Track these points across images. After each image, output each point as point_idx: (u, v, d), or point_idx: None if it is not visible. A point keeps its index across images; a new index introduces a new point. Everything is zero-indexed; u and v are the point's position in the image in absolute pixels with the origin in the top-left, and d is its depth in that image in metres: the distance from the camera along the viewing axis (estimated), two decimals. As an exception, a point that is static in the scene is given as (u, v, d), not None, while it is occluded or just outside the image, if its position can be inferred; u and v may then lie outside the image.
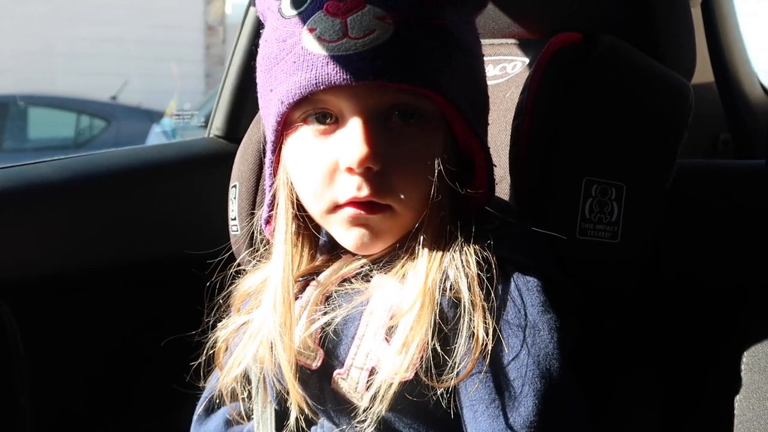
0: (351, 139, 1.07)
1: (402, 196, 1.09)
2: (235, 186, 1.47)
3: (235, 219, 1.46)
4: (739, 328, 1.28)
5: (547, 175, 1.23)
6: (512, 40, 1.54)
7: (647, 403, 1.35)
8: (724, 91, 2.20)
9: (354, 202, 1.10)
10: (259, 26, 1.22)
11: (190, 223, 1.88)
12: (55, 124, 8.50)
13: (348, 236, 1.14)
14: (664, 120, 1.28)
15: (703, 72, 2.19)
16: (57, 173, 1.73)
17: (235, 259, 1.42)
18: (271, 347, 1.15)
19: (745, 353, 1.25)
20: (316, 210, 1.15)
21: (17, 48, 9.85)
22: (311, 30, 1.07)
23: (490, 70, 1.50)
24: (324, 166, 1.10)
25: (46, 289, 1.65)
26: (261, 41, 1.17)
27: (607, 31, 1.34)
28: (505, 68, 1.51)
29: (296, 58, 1.07)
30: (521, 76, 1.45)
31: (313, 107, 1.10)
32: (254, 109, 1.23)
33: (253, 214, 1.41)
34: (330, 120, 1.10)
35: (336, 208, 1.12)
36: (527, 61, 1.50)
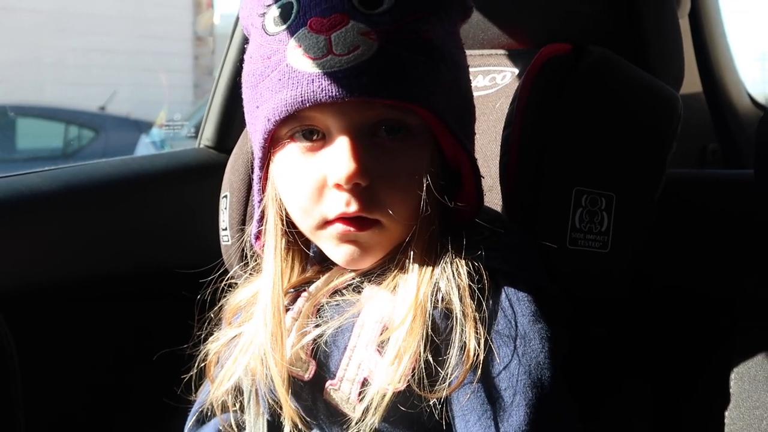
0: (338, 155, 1.07)
1: (391, 211, 1.10)
2: (225, 196, 1.47)
3: (226, 229, 1.46)
4: (730, 336, 1.29)
5: (537, 185, 1.24)
6: (501, 51, 1.55)
7: (639, 412, 1.35)
8: (712, 101, 2.21)
9: (343, 218, 1.10)
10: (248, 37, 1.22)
11: (181, 233, 1.88)
12: (44, 135, 8.46)
13: (338, 252, 1.14)
14: (653, 130, 1.29)
15: (692, 82, 2.20)
16: (47, 184, 1.73)
17: (226, 270, 1.42)
18: (263, 360, 1.15)
19: (735, 362, 1.26)
20: (305, 226, 1.15)
21: (5, 58, 9.83)
22: (296, 47, 1.07)
23: (480, 81, 1.51)
24: (312, 183, 1.10)
25: (36, 300, 1.64)
26: (246, 57, 1.17)
27: (595, 42, 1.35)
28: (495, 79, 1.51)
29: (281, 75, 1.07)
30: (511, 87, 1.46)
31: (299, 124, 1.10)
32: (244, 119, 1.23)
33: (244, 223, 1.41)
34: (317, 137, 1.10)
35: (325, 224, 1.12)
36: (516, 71, 1.50)
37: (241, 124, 1.31)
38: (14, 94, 9.23)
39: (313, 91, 1.04)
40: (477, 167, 1.16)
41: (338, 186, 1.08)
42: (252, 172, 1.39)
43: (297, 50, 1.06)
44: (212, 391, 1.23)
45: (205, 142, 2.07)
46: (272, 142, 1.14)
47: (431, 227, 1.12)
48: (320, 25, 1.06)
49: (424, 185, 1.10)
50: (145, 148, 6.70)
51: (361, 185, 1.07)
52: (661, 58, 1.44)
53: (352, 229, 1.10)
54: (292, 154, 1.12)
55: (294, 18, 1.09)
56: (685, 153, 1.41)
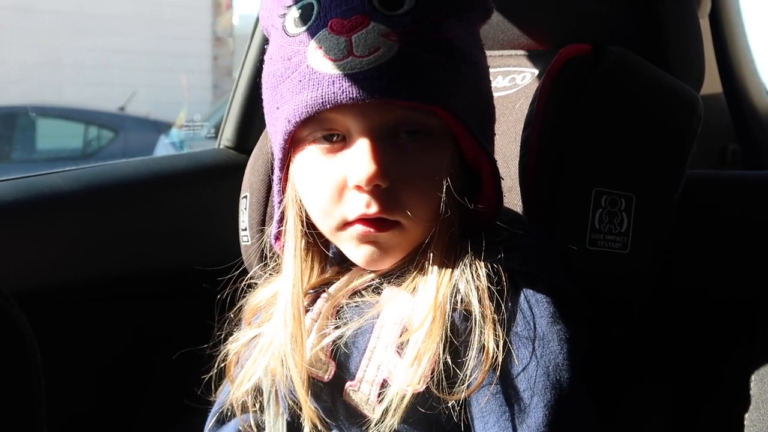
0: (359, 157, 1.07)
1: (411, 212, 1.10)
2: (245, 197, 1.47)
3: (245, 230, 1.46)
4: (750, 338, 1.28)
5: (556, 186, 1.24)
6: (522, 52, 1.55)
7: (657, 413, 1.35)
8: (733, 102, 2.20)
9: (363, 219, 1.10)
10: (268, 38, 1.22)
11: (201, 234, 1.88)
12: (64, 135, 8.52)
13: (358, 253, 1.15)
14: (673, 131, 1.29)
15: (712, 83, 2.19)
16: (69, 184, 1.73)
17: (245, 270, 1.42)
18: (282, 361, 1.15)
19: (755, 364, 1.25)
20: (325, 227, 1.16)
21: (25, 59, 9.89)
22: (317, 48, 1.07)
23: (500, 82, 1.51)
24: (332, 184, 1.10)
25: (58, 299, 1.65)
26: (266, 58, 1.17)
27: (616, 43, 1.35)
28: (515, 79, 1.51)
29: (302, 76, 1.07)
30: (530, 88, 1.46)
31: (320, 125, 1.10)
32: (264, 120, 1.24)
33: (263, 224, 1.41)
34: (337, 138, 1.10)
35: (345, 225, 1.12)
36: (536, 72, 1.50)
37: (261, 125, 1.31)
38: (34, 95, 9.30)
39: (334, 93, 1.04)
40: (497, 169, 1.16)
41: (358, 187, 1.08)
42: (272, 173, 1.39)
43: (318, 51, 1.06)
44: (232, 392, 1.23)
45: (224, 142, 2.07)
46: (292, 144, 1.14)
47: (451, 229, 1.12)
48: (341, 27, 1.06)
49: (444, 187, 1.10)
50: (164, 148, 6.73)
51: (382, 187, 1.07)
52: (681, 59, 1.43)
53: (372, 230, 1.11)
54: (312, 156, 1.12)
55: (315, 19, 1.09)
56: (705, 153, 1.41)
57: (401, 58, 1.05)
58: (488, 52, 1.20)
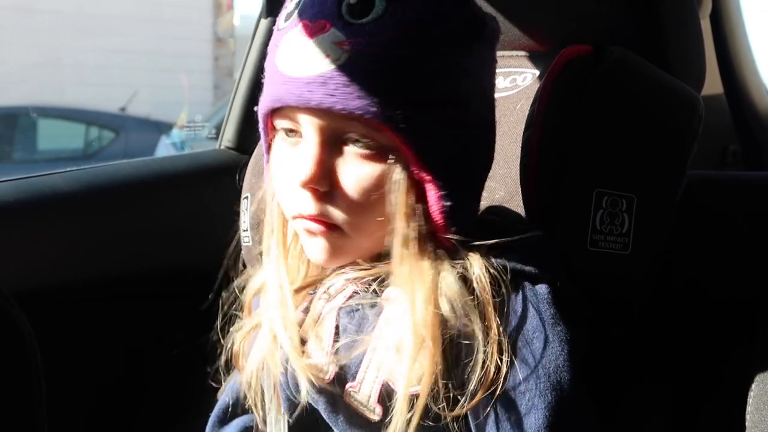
0: (303, 157, 1.09)
1: (350, 219, 1.10)
2: (246, 198, 1.47)
3: (246, 231, 1.46)
4: (750, 339, 1.28)
5: (557, 187, 1.24)
6: (522, 53, 1.55)
7: (657, 413, 1.35)
8: (733, 103, 2.20)
9: (304, 216, 1.12)
10: (269, 38, 1.22)
11: (202, 234, 1.88)
12: (64, 136, 8.52)
13: (308, 246, 1.16)
14: (674, 131, 1.29)
15: (712, 83, 2.19)
16: (69, 185, 1.74)
17: (245, 271, 1.42)
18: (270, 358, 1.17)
19: (756, 364, 1.25)
20: (286, 214, 1.17)
21: (26, 60, 9.89)
22: (283, 47, 1.10)
23: (501, 82, 1.51)
24: (285, 177, 1.13)
25: (58, 299, 1.65)
26: None
27: (616, 43, 1.35)
28: (516, 80, 1.51)
29: (269, 71, 1.12)
30: (531, 88, 1.46)
31: (282, 119, 1.13)
32: (265, 121, 1.24)
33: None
34: (297, 134, 1.12)
35: (295, 217, 1.14)
36: (537, 73, 1.50)
37: (262, 126, 1.31)
38: (35, 95, 9.29)
39: (283, 93, 1.08)
40: (451, 199, 1.11)
41: (301, 186, 1.09)
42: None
43: (282, 50, 1.10)
44: (243, 381, 1.24)
45: (225, 143, 2.08)
46: (271, 133, 1.17)
47: (419, 234, 1.10)
48: (306, 29, 1.07)
49: (388, 202, 1.09)
50: (165, 149, 6.73)
51: (320, 190, 1.09)
52: (682, 59, 1.43)
53: (314, 225, 1.11)
54: (279, 146, 1.15)
55: (292, 19, 1.10)
56: (705, 154, 1.41)
57: (347, 68, 1.04)
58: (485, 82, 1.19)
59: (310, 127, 1.09)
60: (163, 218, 1.88)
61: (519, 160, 1.29)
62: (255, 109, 1.19)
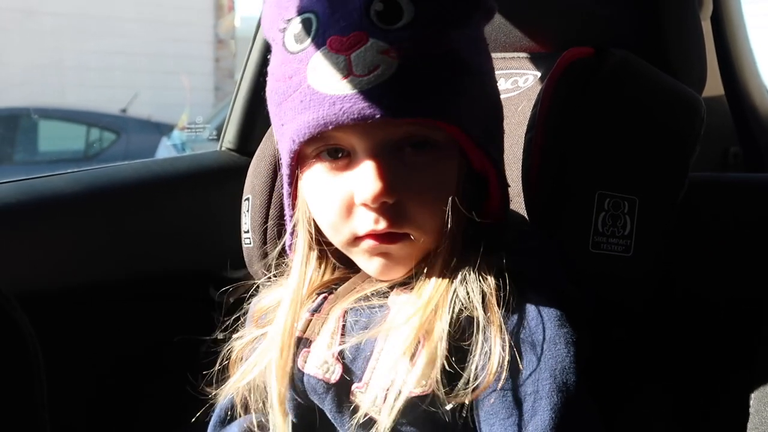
0: (364, 174, 1.07)
1: (419, 224, 1.10)
2: (248, 199, 1.47)
3: (248, 232, 1.46)
4: (753, 342, 1.28)
5: (559, 189, 1.24)
6: (524, 54, 1.55)
7: (660, 416, 1.35)
8: (734, 105, 2.20)
9: (372, 234, 1.11)
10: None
11: (203, 236, 1.89)
12: (66, 137, 8.53)
13: (370, 265, 1.15)
14: (675, 134, 1.29)
15: (713, 85, 2.19)
16: (70, 186, 1.74)
17: (247, 273, 1.42)
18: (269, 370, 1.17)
19: (758, 367, 1.25)
20: (336, 241, 1.16)
21: (27, 61, 9.89)
22: (316, 67, 1.06)
23: (502, 84, 1.51)
24: (340, 201, 1.10)
25: (60, 301, 1.65)
26: (269, 72, 1.16)
27: (618, 45, 1.35)
28: (517, 82, 1.51)
29: (303, 96, 1.07)
30: (533, 90, 1.46)
31: (324, 143, 1.10)
32: (266, 122, 1.23)
33: (266, 226, 1.41)
34: (342, 154, 1.10)
35: (356, 240, 1.13)
36: (539, 74, 1.50)
37: (263, 128, 1.32)
38: (36, 96, 9.30)
39: (335, 114, 1.04)
40: (504, 178, 1.16)
41: (365, 205, 1.08)
42: (275, 175, 1.40)
43: (317, 71, 1.06)
44: (230, 386, 1.24)
45: (226, 144, 2.08)
46: (299, 160, 1.14)
47: (458, 236, 1.12)
48: (340, 44, 1.05)
49: (450, 198, 1.10)
50: (166, 150, 6.73)
51: (388, 203, 1.08)
52: (683, 61, 1.43)
53: (382, 243, 1.11)
54: (318, 173, 1.12)
55: (314, 36, 1.08)
56: (707, 156, 1.40)
57: (401, 75, 1.04)
58: (491, 55, 1.20)
59: (364, 142, 1.08)
60: (164, 220, 1.88)
61: (521, 162, 1.30)
62: (266, 112, 1.18)
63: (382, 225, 1.09)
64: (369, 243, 1.12)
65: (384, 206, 1.08)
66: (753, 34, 2.30)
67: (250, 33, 2.05)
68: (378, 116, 1.03)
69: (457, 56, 1.09)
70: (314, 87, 1.06)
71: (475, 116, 1.11)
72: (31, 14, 10.12)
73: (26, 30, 9.98)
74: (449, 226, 1.10)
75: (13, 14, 10.28)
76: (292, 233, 1.22)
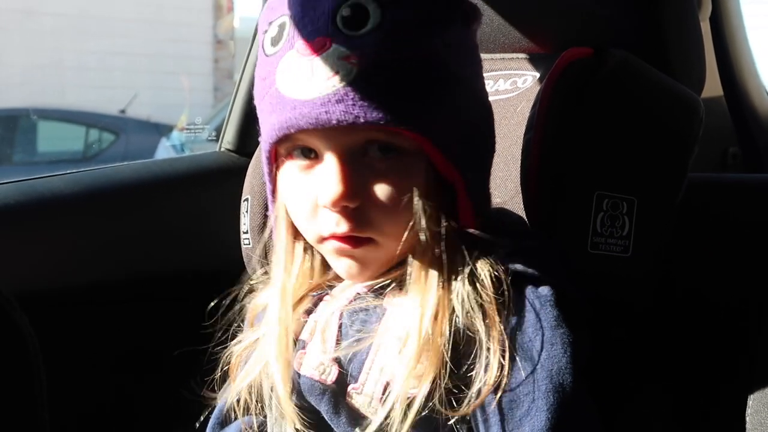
0: (327, 177, 1.07)
1: (382, 229, 1.10)
2: (246, 200, 1.47)
3: (247, 233, 1.46)
4: (752, 342, 1.28)
5: (558, 189, 1.24)
6: (522, 55, 1.55)
7: (660, 416, 1.35)
8: (733, 105, 2.20)
9: (335, 236, 1.11)
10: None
11: (202, 236, 1.89)
12: (65, 138, 8.53)
13: (337, 265, 1.16)
14: (674, 134, 1.29)
15: (713, 85, 2.19)
16: (69, 187, 1.74)
17: (246, 273, 1.42)
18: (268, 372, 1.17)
19: (757, 369, 1.25)
20: (308, 239, 1.17)
21: (27, 62, 9.90)
22: (284, 71, 1.08)
23: (501, 85, 1.51)
24: (307, 201, 1.11)
25: (60, 302, 1.66)
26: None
27: (617, 45, 1.35)
28: (516, 82, 1.51)
29: (272, 99, 1.08)
30: (532, 91, 1.46)
31: (293, 144, 1.11)
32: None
33: (265, 227, 1.41)
34: (312, 155, 1.11)
35: (322, 239, 1.13)
36: (538, 75, 1.50)
37: (262, 128, 1.32)
38: (36, 97, 9.30)
39: (296, 118, 1.05)
40: (479, 188, 1.16)
41: (327, 207, 1.08)
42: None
43: (284, 74, 1.07)
44: (232, 391, 1.24)
45: (225, 145, 2.08)
46: (276, 157, 1.15)
47: (436, 238, 1.11)
48: (305, 49, 1.06)
49: (417, 204, 1.09)
50: (165, 151, 6.73)
51: (350, 207, 1.08)
52: (682, 62, 1.43)
53: (345, 245, 1.11)
54: (290, 171, 1.13)
55: (285, 39, 1.09)
56: (706, 156, 1.40)
57: (359, 81, 1.03)
58: (489, 55, 1.20)
59: (328, 146, 1.08)
60: (163, 220, 1.88)
61: (519, 163, 1.30)
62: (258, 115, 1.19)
63: (342, 228, 1.09)
64: (333, 244, 1.12)
65: (346, 210, 1.08)
66: (752, 35, 2.30)
67: (249, 34, 2.05)
68: (333, 122, 1.03)
69: (429, 63, 1.08)
70: (280, 90, 1.07)
71: (446, 124, 1.10)
72: (30, 14, 10.12)
73: (26, 30, 9.99)
74: (416, 229, 1.09)
75: (12, 14, 10.28)
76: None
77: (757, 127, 2.23)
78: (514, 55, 1.55)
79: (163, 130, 7.49)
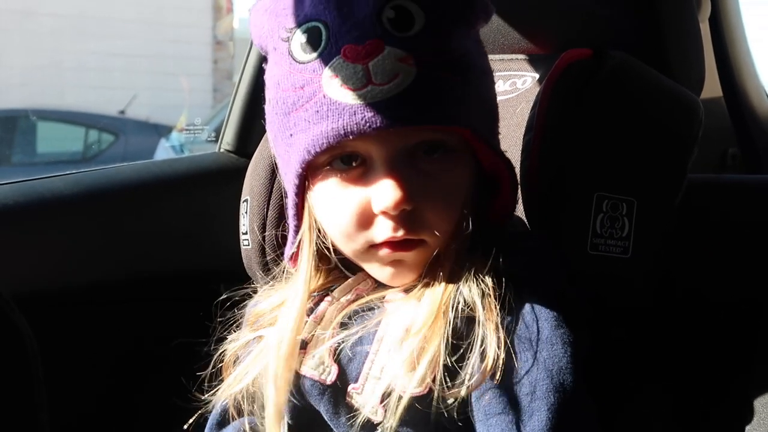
0: (383, 183, 1.07)
1: (435, 230, 1.11)
2: (246, 201, 1.47)
3: (246, 233, 1.46)
4: (752, 342, 1.28)
5: (558, 190, 1.24)
6: (522, 56, 1.55)
7: (660, 416, 1.35)
8: (733, 106, 2.20)
9: (389, 242, 1.11)
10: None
11: (201, 237, 1.88)
12: (64, 139, 8.53)
13: (383, 272, 1.16)
14: (674, 135, 1.29)
15: (712, 86, 2.19)
16: (69, 188, 1.74)
17: (245, 274, 1.42)
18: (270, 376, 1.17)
19: (757, 368, 1.25)
20: (348, 250, 1.16)
21: (26, 62, 9.89)
22: (333, 77, 1.06)
23: (501, 86, 1.51)
24: (356, 210, 1.10)
25: (59, 302, 1.65)
26: (271, 82, 1.16)
27: (616, 47, 1.35)
28: (515, 83, 1.51)
29: (318, 106, 1.06)
30: (531, 92, 1.46)
31: (340, 152, 1.10)
32: (264, 124, 1.23)
33: (264, 228, 1.41)
34: (356, 162, 1.10)
35: (371, 248, 1.13)
36: (537, 76, 1.50)
37: (262, 129, 1.31)
38: (35, 98, 9.29)
39: (357, 123, 1.04)
40: (515, 175, 1.18)
41: (384, 213, 1.08)
42: (273, 177, 1.40)
43: (334, 80, 1.05)
44: (222, 392, 1.24)
45: (225, 146, 2.07)
46: (309, 170, 1.13)
47: (466, 238, 1.13)
48: (356, 54, 1.05)
49: (465, 200, 1.11)
50: (164, 152, 6.72)
51: (407, 210, 1.08)
52: (681, 63, 1.43)
53: (398, 251, 1.12)
54: (331, 182, 1.12)
55: (325, 45, 1.07)
56: (705, 157, 1.41)
57: (420, 82, 1.04)
58: (489, 56, 1.20)
59: (382, 151, 1.08)
60: (163, 221, 1.87)
61: (519, 164, 1.30)
62: (262, 117, 1.19)
63: (401, 232, 1.09)
64: (385, 251, 1.12)
65: (402, 214, 1.08)
66: (751, 36, 2.31)
67: (248, 34, 2.04)
68: (399, 125, 1.04)
69: (466, 61, 1.10)
70: (331, 96, 1.05)
71: (483, 117, 1.12)
72: (30, 15, 10.11)
73: (25, 31, 9.98)
74: (468, 229, 1.11)
75: (12, 15, 10.27)
76: (298, 244, 1.20)
77: (756, 128, 2.23)
78: (514, 56, 1.56)
79: (162, 130, 7.48)
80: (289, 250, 1.22)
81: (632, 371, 1.33)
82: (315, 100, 1.07)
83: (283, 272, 1.26)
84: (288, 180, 1.16)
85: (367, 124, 1.03)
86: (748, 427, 1.23)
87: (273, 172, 1.41)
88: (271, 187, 1.42)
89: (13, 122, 8.17)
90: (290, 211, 1.19)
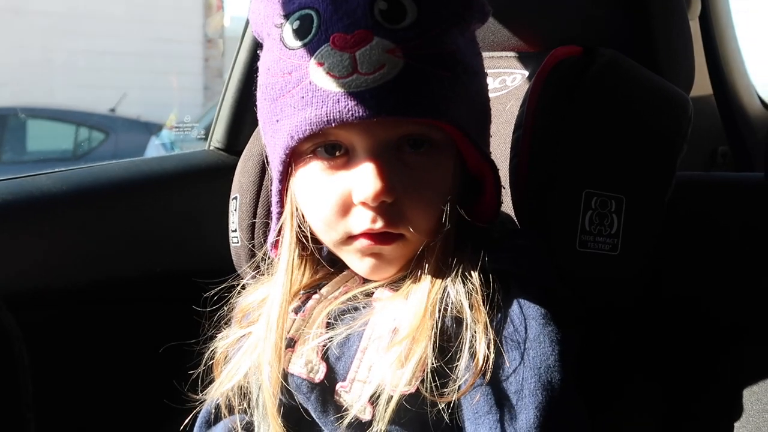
0: (364, 173, 1.07)
1: (415, 225, 1.10)
2: (235, 198, 1.47)
3: (235, 231, 1.46)
4: (739, 341, 1.28)
5: (546, 187, 1.24)
6: (512, 53, 1.55)
7: (649, 415, 1.35)
8: (723, 104, 2.21)
9: (368, 234, 1.11)
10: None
11: (190, 234, 1.88)
12: (54, 137, 8.50)
13: (361, 264, 1.15)
14: (663, 133, 1.29)
15: (702, 85, 2.19)
16: (58, 185, 1.73)
17: (235, 272, 1.42)
18: (261, 369, 1.16)
19: (745, 366, 1.25)
20: (328, 239, 1.16)
21: (16, 60, 9.86)
22: (319, 64, 1.06)
23: (490, 83, 1.50)
24: (336, 199, 1.10)
25: (47, 302, 1.65)
26: (262, 68, 1.16)
27: (605, 44, 1.35)
28: (505, 81, 1.51)
29: (304, 93, 1.06)
30: (521, 89, 1.46)
31: (323, 140, 1.10)
32: (254, 121, 1.23)
33: (253, 225, 1.41)
34: (340, 152, 1.10)
35: (349, 238, 1.13)
36: (527, 73, 1.50)
37: (251, 127, 1.31)
38: (25, 96, 9.27)
39: (339, 111, 1.04)
40: (499, 176, 1.17)
41: (364, 204, 1.08)
42: (262, 174, 1.39)
43: (320, 67, 1.05)
44: (214, 390, 1.23)
45: (215, 144, 2.07)
46: (293, 157, 1.13)
47: (449, 236, 1.12)
48: (344, 42, 1.05)
49: (447, 198, 1.11)
50: (155, 149, 6.71)
51: (387, 202, 1.08)
52: (671, 61, 1.43)
53: (376, 243, 1.11)
54: (314, 170, 1.12)
55: (315, 32, 1.07)
56: (695, 156, 1.41)
57: (406, 74, 1.04)
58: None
59: (364, 140, 1.08)
60: (152, 219, 1.87)
61: (508, 161, 1.30)
62: (254, 111, 1.18)
63: (379, 224, 1.09)
64: (363, 242, 1.12)
65: (382, 206, 1.08)
66: (740, 34, 2.31)
67: (238, 32, 2.05)
68: (383, 115, 1.04)
69: (457, 58, 1.10)
70: (317, 83, 1.05)
71: (470, 116, 1.12)
72: (19, 13, 10.09)
73: (15, 29, 9.95)
74: (446, 226, 1.11)
75: (1, 13, 10.24)
76: (278, 230, 1.21)
77: (746, 126, 2.23)
78: (503, 54, 1.56)
79: (152, 128, 7.46)
80: (272, 237, 1.22)
81: (622, 370, 1.34)
82: (301, 86, 1.07)
83: (269, 266, 1.26)
84: (274, 166, 1.16)
85: (350, 113, 1.03)
86: (737, 424, 1.23)
87: (262, 170, 1.41)
88: (260, 185, 1.42)
89: (3, 120, 8.15)
90: (274, 198, 1.19)
